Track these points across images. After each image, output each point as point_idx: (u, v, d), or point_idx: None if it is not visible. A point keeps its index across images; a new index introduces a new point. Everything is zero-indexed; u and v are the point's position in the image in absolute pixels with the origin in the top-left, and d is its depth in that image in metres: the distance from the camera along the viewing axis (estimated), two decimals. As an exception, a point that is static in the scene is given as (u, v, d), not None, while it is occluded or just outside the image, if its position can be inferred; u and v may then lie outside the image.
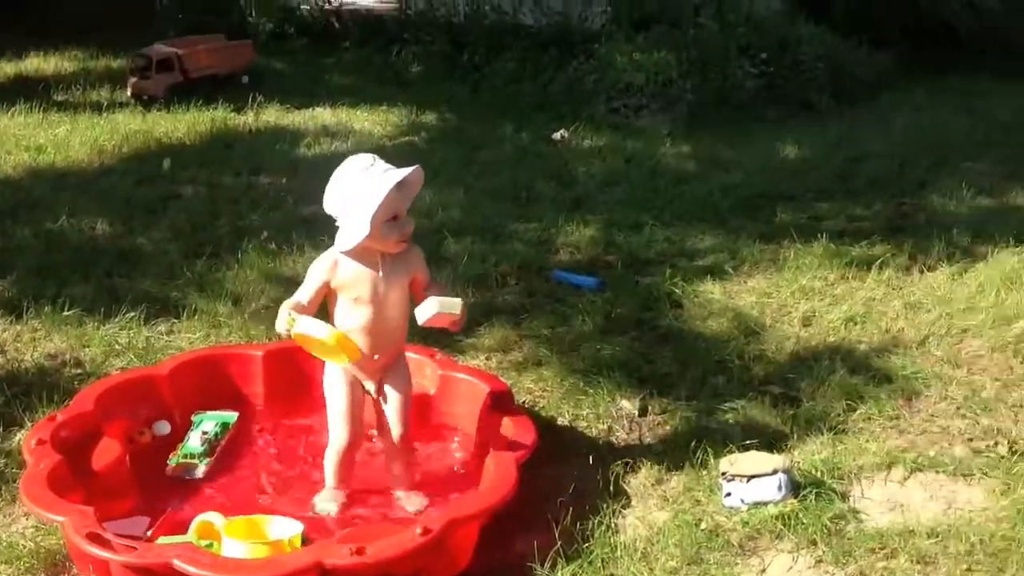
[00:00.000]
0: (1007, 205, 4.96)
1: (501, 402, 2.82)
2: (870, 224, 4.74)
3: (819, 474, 2.71)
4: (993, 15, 7.00)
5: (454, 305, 2.49)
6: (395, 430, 2.61)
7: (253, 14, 8.16)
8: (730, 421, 3.06)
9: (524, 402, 3.14)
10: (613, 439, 3.00)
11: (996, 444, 2.91)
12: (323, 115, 6.37)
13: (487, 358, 3.45)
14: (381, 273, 2.48)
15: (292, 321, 2.38)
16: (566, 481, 2.68)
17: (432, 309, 2.46)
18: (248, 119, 6.26)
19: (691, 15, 7.16)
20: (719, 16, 7.07)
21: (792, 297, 3.94)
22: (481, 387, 2.87)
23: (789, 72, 6.63)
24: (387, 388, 2.61)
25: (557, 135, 6.01)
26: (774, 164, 5.64)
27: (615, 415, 3.10)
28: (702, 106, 6.47)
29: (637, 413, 3.11)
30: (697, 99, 6.50)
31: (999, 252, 4.29)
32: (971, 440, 2.95)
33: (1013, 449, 2.85)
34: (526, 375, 3.33)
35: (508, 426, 2.70)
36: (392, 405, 2.60)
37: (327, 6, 8.28)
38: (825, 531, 2.47)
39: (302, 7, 8.31)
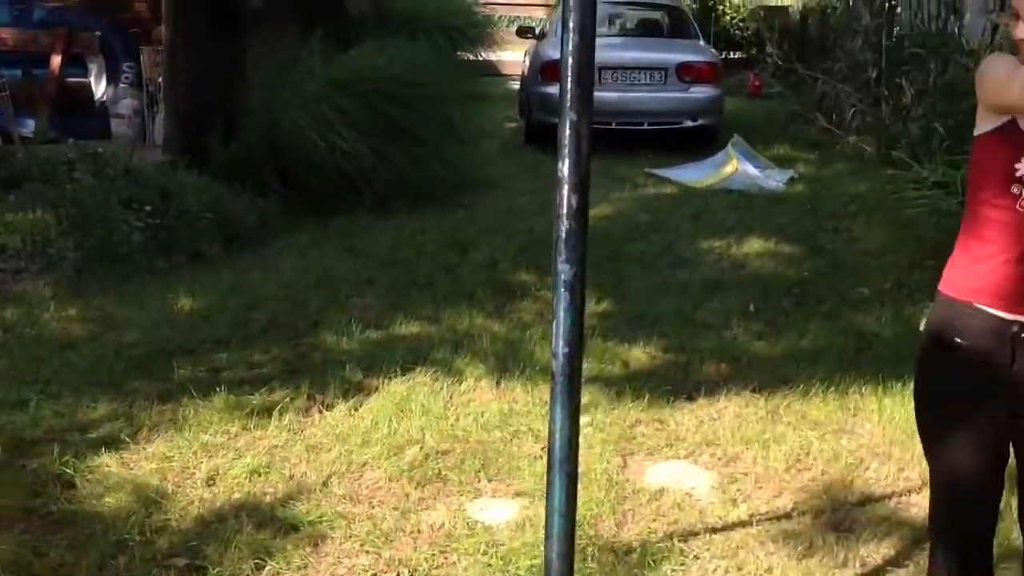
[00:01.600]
0: (393, 336, 5.31)
1: None
2: (269, 369, 4.80)
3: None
4: (360, 159, 7.56)
5: None
6: None
7: None
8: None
9: None
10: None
11: (398, 574, 3.03)
12: None
13: None
14: None
15: None
16: None
17: None
18: None
19: (65, 171, 6.84)
20: (97, 170, 6.85)
21: (195, 457, 3.83)
22: None
23: (176, 222, 6.57)
24: None
25: (-83, 309, 5.35)
26: (170, 317, 5.51)
27: (-4, 630, 2.74)
28: (88, 264, 6.15)
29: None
30: (82, 257, 6.17)
31: (389, 383, 4.57)
32: (375, 575, 3.05)
33: (413, 577, 3.00)
34: None
35: None
36: None
37: None
38: None
39: None
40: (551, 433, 1.77)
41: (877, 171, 9.44)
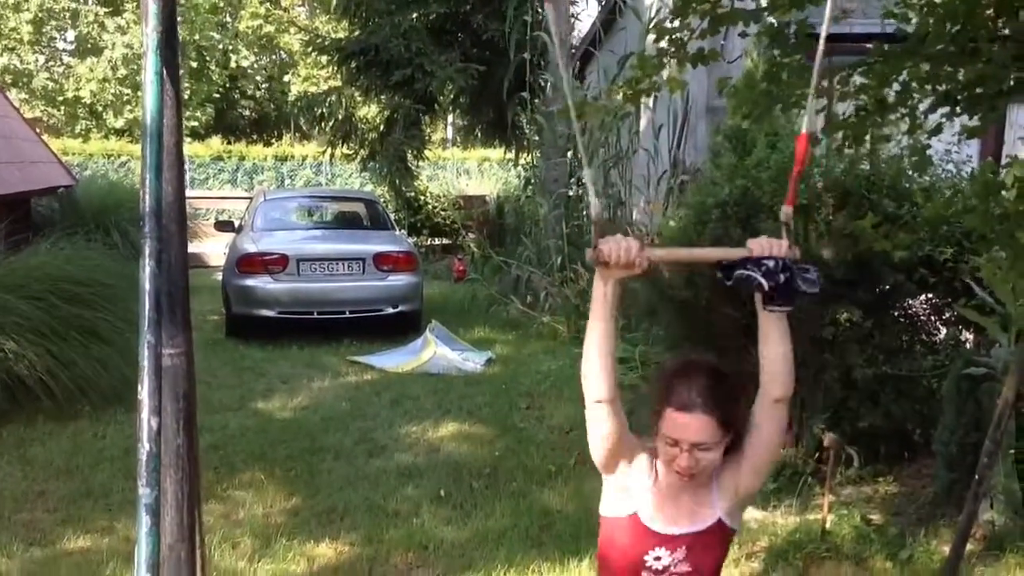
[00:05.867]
0: (60, 551, 4.98)
1: None
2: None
3: None
4: (36, 363, 7.17)
5: None
6: None
7: None
8: None
9: None
10: None
11: None
12: None
13: None
14: None
15: None
16: None
17: None
18: None
19: None
20: None
21: None
22: None
23: None
24: None
25: None
26: None
27: None
28: None
29: None
30: None
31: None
32: None
33: None
34: None
35: None
36: None
37: None
38: None
39: None
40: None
41: (569, 349, 9.95)
